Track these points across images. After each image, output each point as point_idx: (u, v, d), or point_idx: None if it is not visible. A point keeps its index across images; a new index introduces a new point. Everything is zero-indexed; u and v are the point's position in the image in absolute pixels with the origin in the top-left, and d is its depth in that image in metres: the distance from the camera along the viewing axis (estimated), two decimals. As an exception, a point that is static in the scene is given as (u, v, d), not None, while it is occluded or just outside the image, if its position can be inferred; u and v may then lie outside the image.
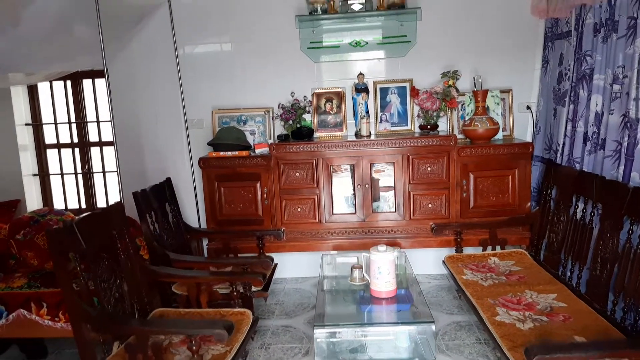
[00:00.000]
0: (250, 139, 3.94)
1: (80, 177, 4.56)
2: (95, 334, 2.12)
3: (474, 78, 3.79)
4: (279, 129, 4.02)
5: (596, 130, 2.95)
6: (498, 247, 3.37)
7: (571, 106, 3.22)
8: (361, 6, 3.68)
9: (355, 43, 3.94)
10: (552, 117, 3.57)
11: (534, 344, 1.96)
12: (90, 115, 4.48)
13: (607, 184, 2.62)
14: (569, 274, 2.86)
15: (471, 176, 3.53)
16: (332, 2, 3.69)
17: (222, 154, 3.66)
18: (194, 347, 1.97)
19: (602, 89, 2.90)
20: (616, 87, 2.75)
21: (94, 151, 4.54)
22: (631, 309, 2.29)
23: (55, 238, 2.07)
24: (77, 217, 2.27)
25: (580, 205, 2.87)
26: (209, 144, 3.75)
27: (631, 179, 2.60)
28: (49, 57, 3.46)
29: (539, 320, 2.36)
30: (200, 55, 4.05)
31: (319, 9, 3.72)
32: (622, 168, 2.66)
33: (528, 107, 3.89)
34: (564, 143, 3.27)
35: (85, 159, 4.53)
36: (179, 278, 2.81)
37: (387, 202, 3.67)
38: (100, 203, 4.56)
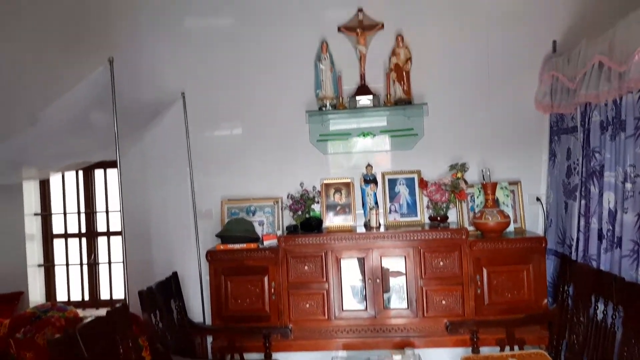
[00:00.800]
0: (258, 229, 3.91)
1: (85, 267, 4.49)
2: None
3: (482, 170, 3.82)
4: (288, 219, 4.00)
5: (611, 228, 2.90)
6: (516, 347, 3.22)
7: (583, 201, 3.18)
8: (369, 102, 3.78)
9: (364, 135, 4.01)
10: (563, 211, 3.54)
11: None
12: (99, 204, 4.49)
13: (628, 286, 2.53)
14: (594, 380, 2.71)
15: (484, 271, 3.44)
16: (340, 98, 3.79)
17: (230, 246, 3.61)
18: None
19: (614, 186, 2.87)
20: (628, 185, 2.73)
21: (101, 241, 4.51)
22: None
23: (56, 348, 2.01)
24: (80, 323, 2.21)
25: (600, 306, 2.76)
26: (217, 235, 3.72)
27: (652, 282, 2.52)
28: (64, 152, 3.52)
29: None
30: (211, 147, 4.12)
31: (328, 104, 3.82)
32: (641, 269, 2.59)
33: (538, 199, 3.87)
34: (578, 238, 3.21)
35: (92, 250, 4.49)
36: (183, 385, 2.67)
37: (398, 292, 3.55)
38: (104, 294, 4.46)
